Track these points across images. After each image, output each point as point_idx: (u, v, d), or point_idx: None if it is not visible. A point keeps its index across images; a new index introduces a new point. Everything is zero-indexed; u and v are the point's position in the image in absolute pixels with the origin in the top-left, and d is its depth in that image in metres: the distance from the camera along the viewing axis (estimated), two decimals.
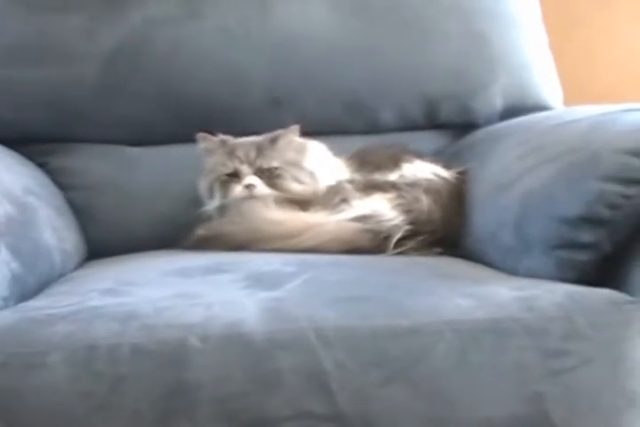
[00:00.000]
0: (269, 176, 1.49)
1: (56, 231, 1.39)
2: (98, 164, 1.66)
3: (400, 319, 1.03)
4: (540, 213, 1.20)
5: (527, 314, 1.04)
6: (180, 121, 1.66)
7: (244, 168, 1.49)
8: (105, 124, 1.66)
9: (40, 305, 1.11)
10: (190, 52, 1.66)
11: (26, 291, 1.19)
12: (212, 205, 1.51)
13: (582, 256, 1.14)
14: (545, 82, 1.78)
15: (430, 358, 1.01)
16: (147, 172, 1.66)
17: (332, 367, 0.99)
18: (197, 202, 1.55)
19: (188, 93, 1.66)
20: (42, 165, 1.63)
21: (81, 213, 1.61)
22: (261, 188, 1.48)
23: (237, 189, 1.48)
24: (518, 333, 1.03)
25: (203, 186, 1.54)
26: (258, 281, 1.15)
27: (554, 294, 1.08)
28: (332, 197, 1.44)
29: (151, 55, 1.65)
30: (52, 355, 0.98)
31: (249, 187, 1.47)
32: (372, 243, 1.35)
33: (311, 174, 1.52)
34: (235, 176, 1.49)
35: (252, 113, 1.67)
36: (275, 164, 1.50)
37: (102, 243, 1.60)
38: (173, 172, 1.65)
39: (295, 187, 1.49)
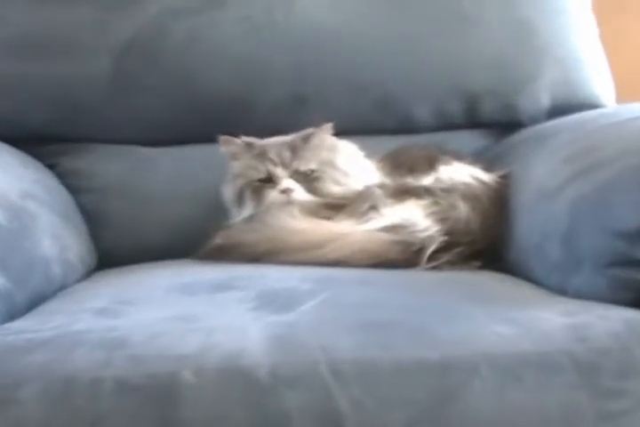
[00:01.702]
0: (307, 180, 1.35)
1: (58, 240, 1.27)
2: (110, 165, 1.54)
3: (428, 351, 0.87)
4: (593, 225, 1.05)
5: (578, 346, 0.89)
6: (198, 119, 1.54)
7: (279, 171, 1.35)
8: (118, 123, 1.55)
9: (23, 327, 0.98)
10: (209, 44, 1.54)
11: (14, 308, 1.06)
12: (242, 214, 1.37)
13: None
14: (596, 76, 1.64)
15: (463, 398, 0.85)
16: (163, 174, 1.54)
17: (347, 408, 0.83)
18: (217, 207, 1.42)
19: (207, 89, 1.54)
20: (51, 167, 1.52)
21: (92, 219, 1.50)
22: (300, 192, 1.34)
23: (273, 195, 1.34)
24: (567, 368, 0.87)
25: (229, 193, 1.40)
26: (269, 301, 1.01)
27: (608, 322, 0.92)
28: (360, 204, 1.30)
29: (167, 48, 1.53)
30: (24, 388, 0.84)
31: (286, 191, 1.33)
32: (403, 256, 1.21)
33: (346, 175, 1.38)
34: (268, 181, 1.36)
35: (275, 111, 1.55)
36: (312, 165, 1.36)
37: (114, 251, 1.49)
38: (191, 174, 1.53)
39: (336, 189, 1.36)
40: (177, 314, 0.97)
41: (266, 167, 1.35)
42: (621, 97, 1.66)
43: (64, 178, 1.51)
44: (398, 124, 1.58)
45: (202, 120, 1.53)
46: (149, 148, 1.56)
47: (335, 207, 1.33)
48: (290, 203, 1.32)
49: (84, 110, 1.53)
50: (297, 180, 1.34)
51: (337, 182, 1.36)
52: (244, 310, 0.98)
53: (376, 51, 1.55)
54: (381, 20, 1.56)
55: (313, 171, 1.36)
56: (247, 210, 1.36)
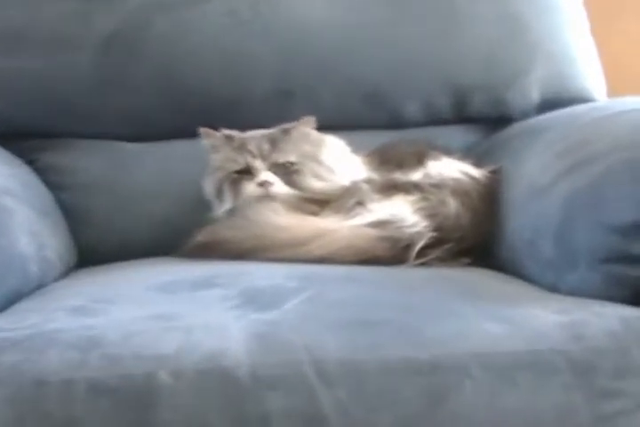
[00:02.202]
0: (286, 172, 1.31)
1: (36, 237, 1.22)
2: (92, 161, 1.49)
3: (417, 351, 0.83)
4: (587, 220, 1.01)
5: (573, 345, 0.85)
6: (182, 114, 1.49)
7: (258, 163, 1.31)
8: (100, 118, 1.50)
9: None
10: (195, 37, 1.49)
11: None
12: (222, 208, 1.34)
13: (636, 271, 0.96)
14: (588, 71, 1.59)
15: (453, 400, 0.81)
16: (146, 170, 1.49)
17: (332, 410, 0.79)
18: (202, 203, 1.38)
19: (192, 83, 1.49)
20: (31, 163, 1.47)
21: (73, 216, 1.45)
22: (279, 185, 1.30)
23: (251, 188, 1.30)
24: (562, 368, 0.83)
25: (209, 187, 1.36)
26: (252, 299, 0.96)
27: (605, 320, 0.89)
28: (347, 200, 1.27)
29: (152, 41, 1.49)
30: None
31: (264, 184, 1.30)
32: (391, 252, 1.17)
33: (331, 170, 1.34)
34: (247, 173, 1.32)
35: (262, 105, 1.50)
36: (291, 158, 1.32)
37: (95, 248, 1.44)
38: (176, 170, 1.48)
39: (316, 184, 1.32)
40: (156, 312, 0.92)
41: (244, 159, 1.32)
42: (612, 91, 1.62)
43: (45, 174, 1.46)
44: (387, 119, 1.54)
45: (187, 115, 1.49)
46: (133, 143, 1.51)
47: (318, 202, 1.30)
48: (268, 196, 1.29)
49: (65, 105, 1.48)
50: (276, 172, 1.31)
51: (319, 177, 1.32)
52: (225, 309, 0.93)
53: (364, 44, 1.51)
54: (370, 13, 1.52)
55: (292, 163, 1.32)
56: (226, 203, 1.33)
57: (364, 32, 1.51)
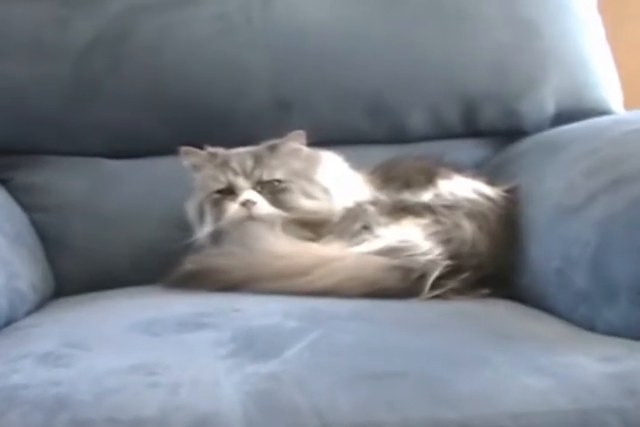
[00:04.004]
0: (272, 191, 1.21)
1: (5, 266, 1.10)
2: (70, 180, 1.39)
3: (445, 410, 0.70)
4: (626, 246, 0.91)
5: (627, 401, 0.72)
6: (168, 128, 1.39)
7: (240, 181, 1.20)
8: (79, 133, 1.39)
9: None
10: (181, 44, 1.39)
11: None
12: (203, 231, 1.22)
13: None
14: (604, 80, 1.48)
15: None
16: (129, 190, 1.39)
17: None
18: (190, 227, 1.26)
19: (179, 95, 1.39)
20: (4, 182, 1.38)
21: (49, 240, 1.35)
22: (263, 205, 1.19)
23: (233, 208, 1.19)
24: None
25: (191, 209, 1.26)
26: (247, 344, 0.83)
27: None
28: (351, 224, 1.16)
29: (134, 49, 1.39)
30: None
31: (246, 204, 1.18)
32: (402, 284, 1.05)
33: (325, 191, 1.23)
34: (229, 193, 1.21)
35: (255, 118, 1.39)
36: (278, 175, 1.21)
37: (74, 276, 1.33)
38: (161, 190, 1.37)
39: (306, 203, 1.21)
40: (136, 362, 0.79)
41: (226, 177, 1.21)
42: (628, 103, 1.51)
43: (18, 194, 1.36)
44: (390, 133, 1.45)
45: (172, 130, 1.39)
46: (115, 160, 1.41)
47: (310, 225, 1.20)
48: (251, 217, 1.18)
49: (40, 118, 1.38)
50: (261, 191, 1.20)
51: (309, 196, 1.22)
52: (217, 357, 0.79)
53: (366, 52, 1.42)
54: (372, 18, 1.42)
55: (280, 181, 1.21)
56: (208, 226, 1.22)
57: (364, 38, 1.42)
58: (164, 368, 0.77)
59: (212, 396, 0.70)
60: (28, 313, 1.12)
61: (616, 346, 0.82)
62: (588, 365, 0.76)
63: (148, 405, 0.69)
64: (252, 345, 0.82)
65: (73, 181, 1.38)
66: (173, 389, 0.72)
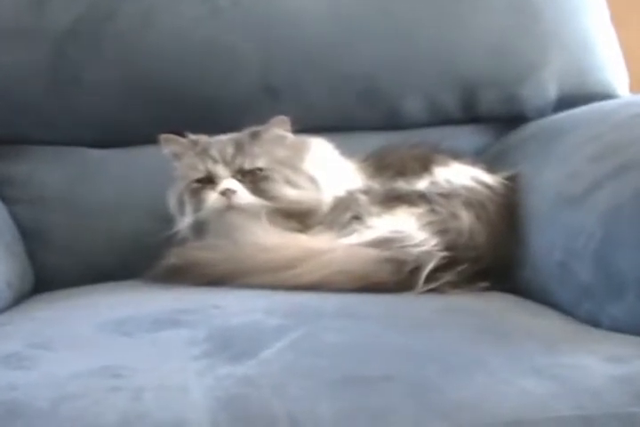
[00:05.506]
0: (253, 180, 1.15)
1: None
2: (50, 170, 1.34)
3: (435, 418, 0.63)
4: (635, 239, 0.85)
5: (636, 408, 0.65)
6: (151, 116, 1.34)
7: (220, 169, 1.15)
8: (60, 121, 1.34)
9: None
10: (164, 29, 1.34)
11: None
12: (183, 222, 1.16)
13: None
14: (609, 63, 1.43)
15: None
16: (112, 181, 1.34)
17: None
18: (173, 219, 1.21)
19: (162, 81, 1.33)
20: None
21: (28, 233, 1.30)
22: (243, 194, 1.14)
23: (212, 197, 1.14)
24: None
25: (172, 199, 1.20)
26: (223, 343, 0.76)
27: None
28: (341, 214, 1.11)
29: (115, 34, 1.33)
30: None
31: (226, 193, 1.13)
32: (395, 277, 1.00)
33: (311, 180, 1.18)
34: (209, 182, 1.16)
35: (244, 105, 1.34)
36: (260, 163, 1.16)
37: (55, 271, 1.29)
38: (144, 180, 1.32)
39: (290, 192, 1.16)
40: (101, 364, 0.72)
41: (205, 165, 1.16)
42: (634, 86, 1.46)
43: None
44: (385, 119, 1.40)
45: (157, 117, 1.33)
46: (96, 149, 1.36)
47: (295, 215, 1.15)
48: (231, 207, 1.13)
49: (19, 107, 1.33)
50: (241, 180, 1.15)
51: (293, 184, 1.17)
52: (188, 358, 0.73)
53: (359, 34, 1.36)
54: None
55: (261, 169, 1.16)
56: (187, 216, 1.16)
57: (357, 21, 1.36)
58: (130, 371, 0.70)
59: (179, 402, 0.64)
60: (2, 310, 1.07)
61: (622, 344, 0.76)
62: (592, 366, 0.69)
63: (108, 413, 0.63)
64: (228, 345, 0.75)
65: (53, 171, 1.34)
66: (136, 394, 0.65)
